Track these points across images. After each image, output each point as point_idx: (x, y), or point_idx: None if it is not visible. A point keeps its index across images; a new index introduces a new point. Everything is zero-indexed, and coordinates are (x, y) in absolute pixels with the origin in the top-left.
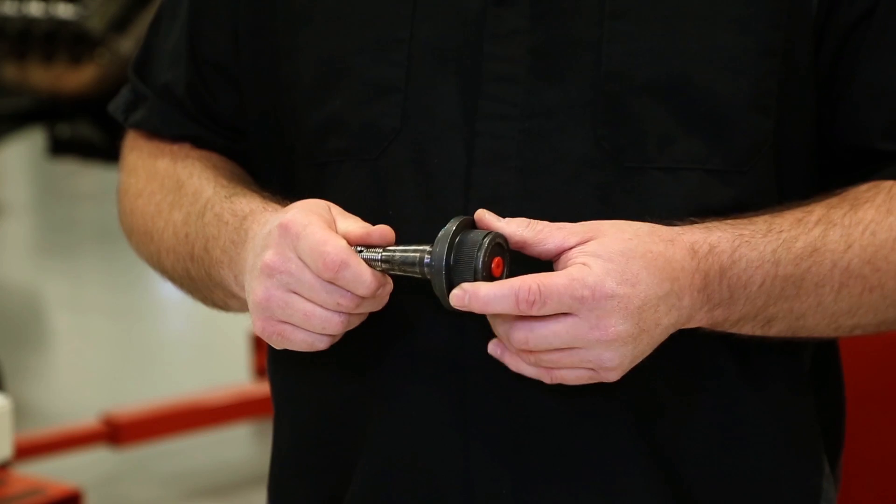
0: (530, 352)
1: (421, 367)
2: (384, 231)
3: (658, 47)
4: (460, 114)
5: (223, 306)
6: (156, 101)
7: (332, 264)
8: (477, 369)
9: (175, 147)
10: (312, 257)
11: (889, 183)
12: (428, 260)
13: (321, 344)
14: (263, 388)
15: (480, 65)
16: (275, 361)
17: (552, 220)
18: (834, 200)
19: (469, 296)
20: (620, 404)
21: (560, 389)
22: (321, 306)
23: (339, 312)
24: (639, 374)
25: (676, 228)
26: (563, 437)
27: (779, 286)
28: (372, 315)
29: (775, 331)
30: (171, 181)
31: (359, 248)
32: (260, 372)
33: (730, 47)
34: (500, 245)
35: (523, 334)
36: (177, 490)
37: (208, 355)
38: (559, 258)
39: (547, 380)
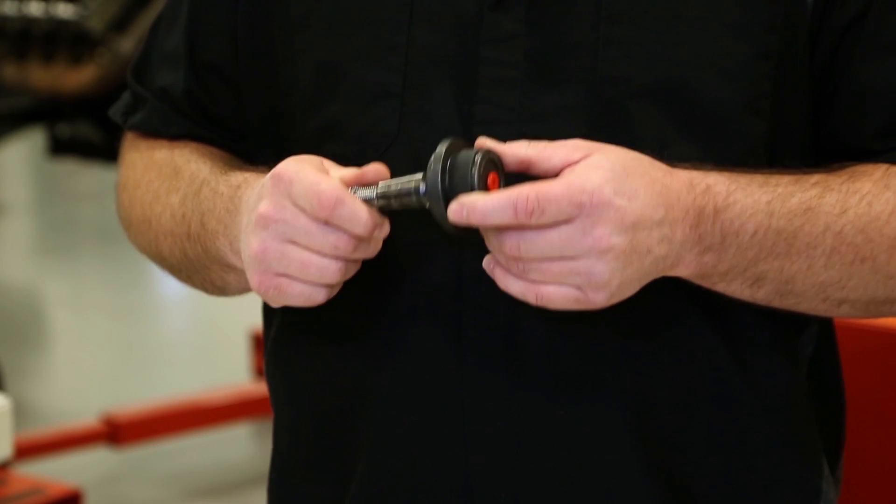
0: (520, 259)
1: (420, 319)
2: (378, 168)
3: (654, 51)
4: (457, 118)
5: (222, 285)
6: (155, 103)
7: (328, 202)
8: (476, 333)
9: (173, 141)
10: (307, 197)
11: (885, 165)
12: (423, 187)
13: (319, 296)
14: (263, 388)
15: (477, 69)
16: (272, 363)
17: None
18: (833, 168)
19: (467, 209)
20: (617, 398)
21: (559, 355)
22: (318, 253)
23: (336, 258)
24: (636, 369)
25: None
26: (559, 410)
27: (770, 239)
28: (365, 298)
29: (763, 293)
30: (168, 168)
31: (353, 189)
32: (260, 372)
33: (725, 51)
34: (493, 161)
35: (515, 240)
36: (177, 490)
37: (208, 355)
38: (562, 173)
39: (532, 298)
